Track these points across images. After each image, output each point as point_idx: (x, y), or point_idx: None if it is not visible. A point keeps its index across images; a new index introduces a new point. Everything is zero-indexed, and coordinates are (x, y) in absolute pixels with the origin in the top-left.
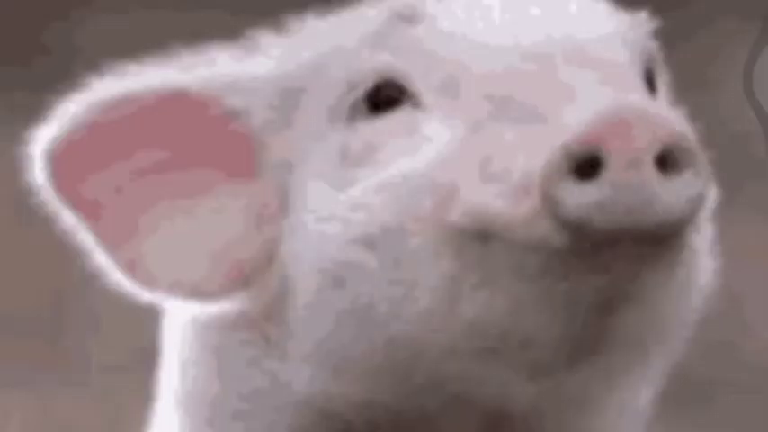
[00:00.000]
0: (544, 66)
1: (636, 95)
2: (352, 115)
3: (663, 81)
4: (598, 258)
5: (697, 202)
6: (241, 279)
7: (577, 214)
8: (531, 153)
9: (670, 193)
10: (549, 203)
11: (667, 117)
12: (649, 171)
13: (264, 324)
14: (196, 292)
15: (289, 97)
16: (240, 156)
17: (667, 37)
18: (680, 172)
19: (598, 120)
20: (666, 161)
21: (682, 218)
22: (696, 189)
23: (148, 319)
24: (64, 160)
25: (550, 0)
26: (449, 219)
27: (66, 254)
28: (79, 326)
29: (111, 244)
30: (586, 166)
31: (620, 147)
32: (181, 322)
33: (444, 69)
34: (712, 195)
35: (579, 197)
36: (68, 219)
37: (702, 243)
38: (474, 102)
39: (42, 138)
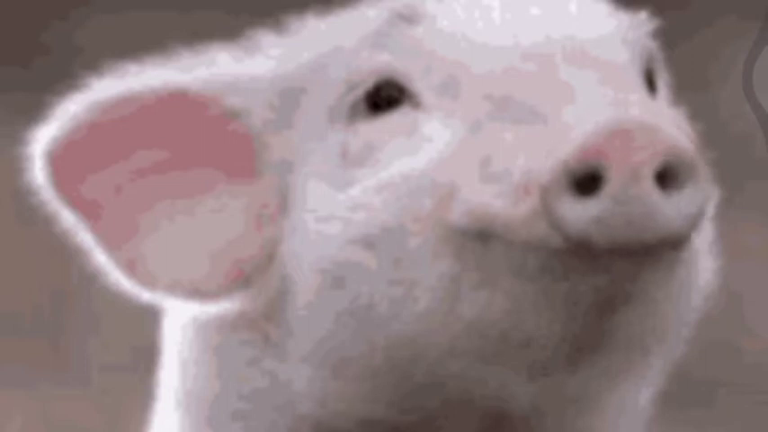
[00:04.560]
0: (544, 66)
1: (636, 96)
2: (352, 115)
3: (663, 81)
4: (598, 258)
5: (697, 217)
6: (241, 279)
7: (577, 229)
8: (531, 153)
9: (670, 209)
10: (550, 218)
11: (668, 131)
12: (649, 186)
13: (264, 324)
14: (196, 292)
15: (289, 97)
16: (240, 156)
17: (667, 37)
18: (680, 186)
19: (598, 133)
20: (666, 175)
21: (682, 233)
22: (696, 204)
23: (148, 319)
24: (64, 160)
25: (550, 0)
26: (449, 219)
27: (66, 254)
28: (79, 326)
29: (111, 244)
30: (587, 180)
31: (620, 162)
32: (181, 322)
33: (444, 69)
34: (713, 200)
35: (579, 212)
36: (68, 219)
37: (702, 243)
38: (474, 102)
39: (42, 138)
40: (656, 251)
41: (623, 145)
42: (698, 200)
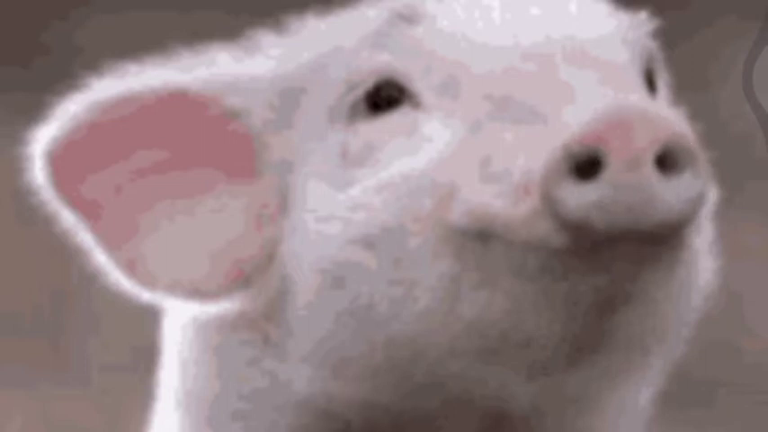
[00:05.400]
0: (544, 66)
1: (636, 95)
2: (352, 115)
3: (663, 81)
4: (598, 258)
5: (697, 202)
6: (241, 279)
7: (577, 214)
8: (530, 153)
9: (670, 193)
10: (549, 203)
11: (667, 117)
12: (649, 171)
13: (264, 324)
14: (196, 292)
15: (289, 97)
16: (240, 156)
17: (667, 37)
18: (680, 172)
19: (598, 119)
20: (666, 161)
21: (681, 218)
22: (696, 189)
23: (148, 319)
24: (64, 160)
25: (550, 0)
26: (449, 219)
27: (66, 254)
28: (79, 326)
29: (111, 244)
30: (586, 165)
31: (620, 147)
32: (181, 322)
33: (444, 69)
34: (712, 195)
35: (579, 197)
36: (68, 219)
37: (702, 243)
38: (474, 102)
39: (42, 138)
40: (656, 237)
41: (623, 131)
42: (697, 185)
